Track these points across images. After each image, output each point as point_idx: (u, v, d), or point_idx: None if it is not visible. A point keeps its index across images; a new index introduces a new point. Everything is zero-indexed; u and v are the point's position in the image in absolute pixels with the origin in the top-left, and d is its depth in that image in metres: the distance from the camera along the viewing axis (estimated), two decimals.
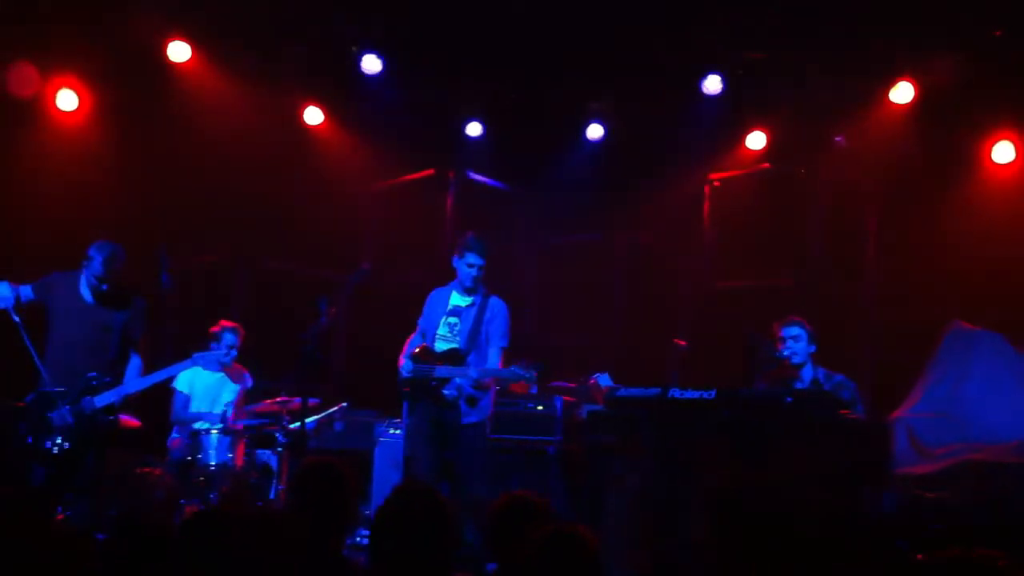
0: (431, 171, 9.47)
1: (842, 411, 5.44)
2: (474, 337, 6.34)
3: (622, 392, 5.79)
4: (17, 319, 6.07)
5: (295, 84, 8.81)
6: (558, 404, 7.14)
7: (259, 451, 7.04)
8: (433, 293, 6.60)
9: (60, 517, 5.69)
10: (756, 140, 8.97)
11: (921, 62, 8.07)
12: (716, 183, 9.24)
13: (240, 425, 7.05)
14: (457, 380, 6.22)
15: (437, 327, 6.46)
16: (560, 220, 9.73)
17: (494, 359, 6.35)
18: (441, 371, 6.24)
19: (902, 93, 8.22)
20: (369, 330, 8.59)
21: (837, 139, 8.66)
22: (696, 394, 5.40)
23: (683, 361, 6.77)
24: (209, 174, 8.51)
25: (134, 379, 6.31)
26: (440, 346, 6.39)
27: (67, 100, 8.24)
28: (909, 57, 8.10)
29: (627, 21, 7.90)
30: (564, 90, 8.87)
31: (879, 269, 8.79)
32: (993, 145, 8.34)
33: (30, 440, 6.07)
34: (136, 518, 2.64)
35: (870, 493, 5.18)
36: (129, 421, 6.59)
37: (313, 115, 9.10)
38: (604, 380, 6.52)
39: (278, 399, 7.11)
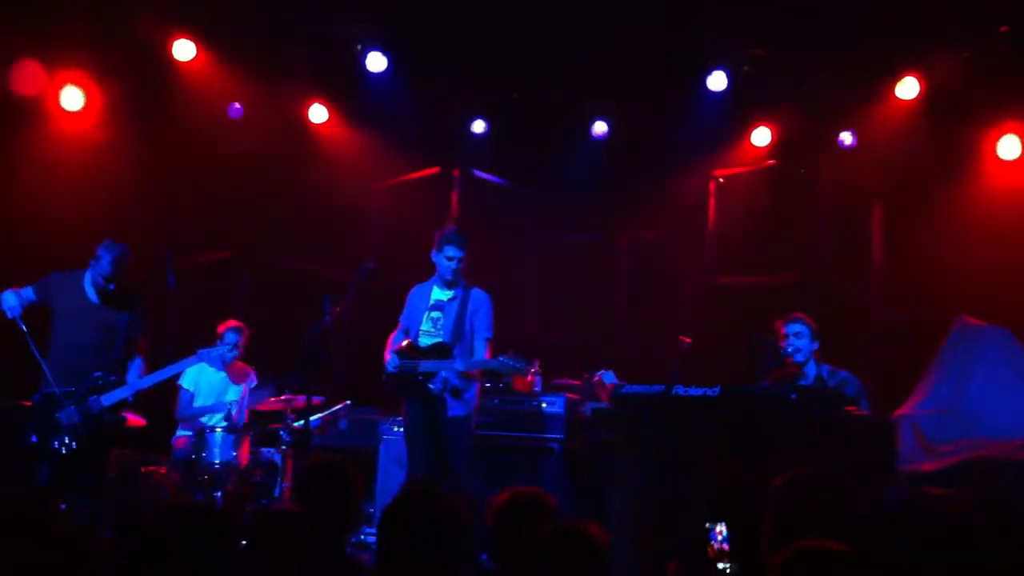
0: (435, 169, 9.46)
1: (847, 408, 5.43)
2: (458, 330, 6.31)
3: (626, 390, 5.79)
4: (24, 328, 6.09)
5: (300, 82, 8.81)
6: (562, 402, 7.12)
7: (264, 449, 7.05)
8: (414, 289, 6.56)
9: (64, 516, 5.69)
10: (761, 137, 8.96)
11: (926, 58, 8.04)
12: (721, 180, 9.23)
13: (244, 420, 7.06)
14: (443, 374, 6.18)
15: (420, 323, 6.43)
16: (564, 218, 9.72)
17: (480, 351, 6.31)
18: (427, 365, 6.20)
19: (907, 89, 8.20)
20: (373, 328, 8.58)
21: (840, 139, 8.63)
22: (700, 392, 5.39)
23: (687, 358, 6.76)
24: (213, 172, 8.51)
25: (139, 378, 6.32)
26: (424, 341, 6.36)
27: (72, 98, 8.25)
28: (914, 53, 8.08)
29: (631, 18, 7.89)
30: (568, 88, 8.86)
31: (884, 266, 8.78)
32: (998, 141, 8.31)
33: (35, 440, 6.08)
34: (138, 517, 2.64)
35: (875, 490, 5.17)
36: (134, 420, 6.60)
37: (318, 113, 9.10)
38: (608, 378, 6.51)
39: (283, 397, 7.11)
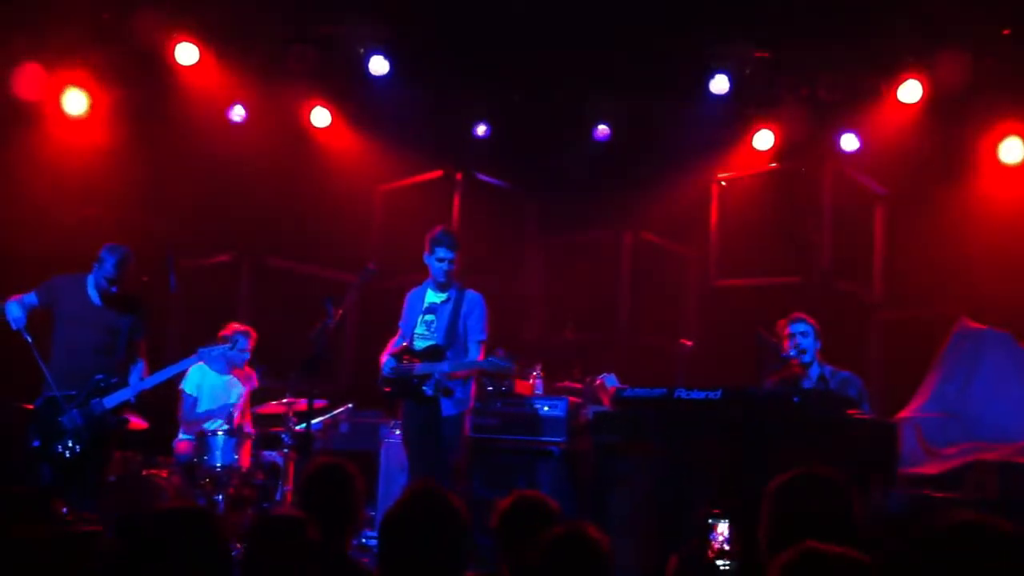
0: (439, 172, 9.47)
1: (850, 410, 5.42)
2: (452, 332, 6.32)
3: (628, 392, 5.78)
4: (30, 339, 6.09)
5: (302, 85, 8.82)
6: (564, 405, 7.11)
7: (265, 452, 7.05)
8: (410, 293, 6.59)
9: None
10: (763, 140, 8.96)
11: (929, 61, 8.04)
12: (723, 183, 9.23)
13: (247, 427, 7.06)
14: (435, 376, 6.21)
15: (415, 326, 6.45)
16: (567, 220, 9.72)
17: (474, 353, 6.32)
18: (420, 368, 6.24)
19: (910, 92, 8.20)
20: (376, 331, 8.58)
21: (843, 142, 8.63)
22: (702, 394, 5.39)
23: (689, 361, 6.77)
24: (216, 175, 8.53)
25: (141, 379, 6.32)
26: (419, 344, 6.38)
27: (74, 101, 8.26)
28: (917, 56, 8.08)
29: (633, 20, 7.89)
30: (570, 90, 8.86)
31: (887, 268, 8.78)
32: (1001, 143, 8.31)
33: (37, 444, 6.08)
34: (139, 520, 2.65)
35: (878, 493, 5.16)
36: (136, 423, 6.60)
37: (321, 116, 9.11)
38: (610, 380, 6.51)
39: (285, 400, 7.11)
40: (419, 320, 6.45)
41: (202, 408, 7.29)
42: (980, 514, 2.31)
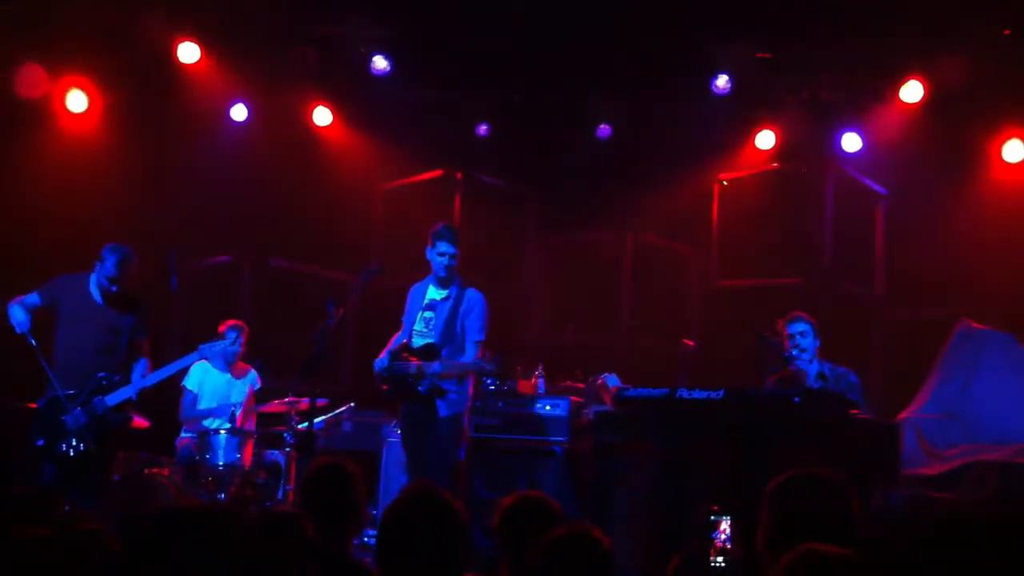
0: (439, 171, 9.47)
1: (851, 411, 5.42)
2: (448, 331, 6.24)
3: (630, 392, 5.79)
4: (34, 342, 6.11)
5: (304, 85, 8.82)
6: (565, 405, 7.11)
7: (267, 451, 7.05)
8: (413, 288, 6.51)
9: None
10: (765, 140, 8.96)
11: (931, 61, 8.04)
12: (725, 183, 9.23)
13: (249, 426, 7.08)
14: (426, 373, 6.14)
15: (414, 322, 6.39)
16: (568, 220, 9.72)
17: (471, 353, 6.23)
18: (415, 367, 6.16)
19: (912, 92, 8.20)
20: (377, 330, 8.59)
21: (844, 142, 8.63)
22: (704, 394, 5.39)
23: (691, 361, 6.77)
24: (218, 175, 8.53)
25: (143, 377, 6.33)
26: (417, 341, 6.32)
27: (76, 101, 8.27)
28: (919, 56, 8.08)
29: (635, 21, 7.89)
30: (572, 90, 8.86)
31: (889, 268, 8.78)
32: (1003, 144, 8.31)
33: (41, 443, 6.10)
34: (142, 518, 2.65)
35: (879, 493, 5.17)
36: (138, 421, 6.61)
37: (322, 116, 9.11)
38: (612, 380, 6.51)
39: (286, 399, 7.12)
40: (419, 316, 6.39)
41: (202, 405, 7.31)
42: (977, 510, 2.32)
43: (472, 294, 6.35)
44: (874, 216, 8.88)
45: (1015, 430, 6.39)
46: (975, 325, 7.10)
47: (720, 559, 3.86)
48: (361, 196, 9.46)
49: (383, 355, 6.37)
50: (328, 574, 3.41)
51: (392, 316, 6.67)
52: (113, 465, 6.36)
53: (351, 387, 8.49)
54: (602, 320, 9.55)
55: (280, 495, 6.89)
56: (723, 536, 3.93)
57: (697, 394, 5.41)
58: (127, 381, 6.26)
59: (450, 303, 6.32)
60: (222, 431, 6.78)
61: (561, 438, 7.02)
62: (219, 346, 6.63)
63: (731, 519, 3.90)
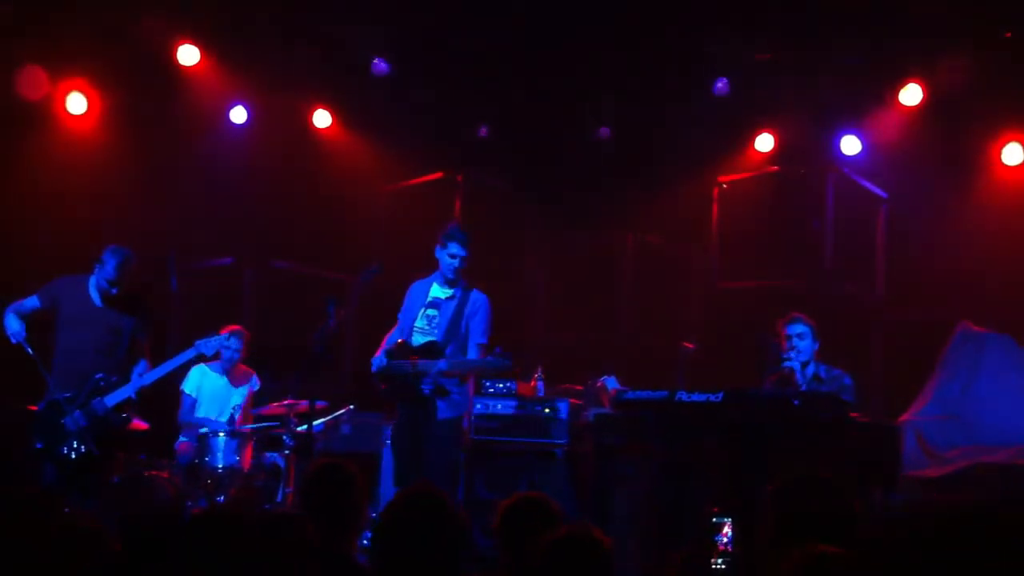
0: (440, 173, 9.47)
1: (851, 413, 5.42)
2: (453, 330, 6.12)
3: (629, 394, 5.79)
4: (31, 351, 6.11)
5: (304, 87, 8.83)
6: (565, 406, 7.11)
7: (267, 453, 7.05)
8: (414, 285, 6.38)
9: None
10: (764, 142, 8.96)
11: (930, 64, 8.05)
12: (724, 185, 9.23)
13: (247, 429, 7.07)
14: (431, 374, 5.99)
15: (415, 319, 6.25)
16: (568, 222, 9.72)
17: (472, 355, 6.13)
18: (418, 366, 5.99)
19: (911, 95, 8.21)
20: (377, 332, 8.59)
21: (844, 145, 8.63)
22: (703, 396, 5.39)
23: (691, 363, 6.76)
24: (218, 177, 8.53)
25: (140, 376, 6.33)
26: (417, 339, 6.17)
27: (77, 103, 8.27)
28: (918, 59, 8.09)
29: (635, 22, 7.90)
30: (572, 91, 8.87)
31: (888, 271, 8.78)
32: (1002, 147, 8.32)
33: (40, 446, 6.10)
34: (141, 520, 2.65)
35: (879, 495, 5.16)
36: (137, 423, 6.61)
37: (322, 118, 9.12)
38: (611, 382, 6.50)
39: (286, 401, 7.12)
40: (420, 313, 6.27)
41: (201, 411, 7.30)
42: (978, 511, 2.32)
43: (478, 296, 6.25)
44: (874, 218, 8.88)
45: (1016, 431, 6.39)
46: (975, 327, 7.11)
47: (721, 561, 3.87)
48: (362, 198, 9.45)
49: (379, 353, 6.25)
50: (332, 572, 3.41)
51: (393, 318, 6.66)
52: (113, 467, 6.36)
53: (351, 389, 8.49)
54: (602, 322, 9.55)
55: (280, 497, 6.89)
56: (725, 538, 3.93)
57: (696, 396, 5.40)
58: (126, 381, 6.26)
59: (455, 303, 6.21)
60: (221, 434, 6.77)
61: (561, 440, 7.02)
62: (215, 341, 6.60)
63: (732, 521, 3.90)
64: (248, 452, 6.84)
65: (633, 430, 5.67)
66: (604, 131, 9.21)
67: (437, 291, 6.31)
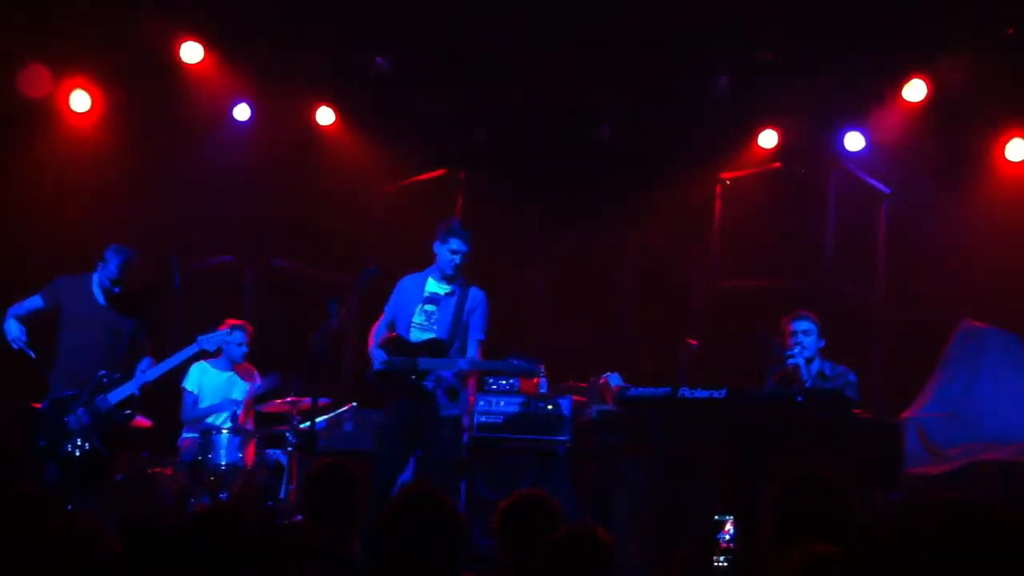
0: (442, 171, 9.46)
1: (854, 410, 5.42)
2: (456, 327, 6.06)
3: (632, 392, 5.79)
4: (33, 355, 6.13)
5: (307, 85, 8.83)
6: (568, 404, 7.11)
7: (269, 451, 7.06)
8: (406, 279, 6.27)
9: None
10: (767, 139, 8.95)
11: (933, 60, 8.03)
12: (727, 182, 9.22)
13: (249, 426, 7.09)
14: (442, 373, 5.96)
15: (412, 315, 6.15)
16: (570, 219, 9.71)
17: (473, 352, 6.09)
18: (427, 363, 5.93)
19: (914, 91, 8.19)
20: None
21: (847, 141, 8.61)
22: (706, 394, 5.39)
23: (694, 361, 6.76)
24: (220, 175, 8.53)
25: (143, 372, 6.34)
26: (416, 335, 6.11)
27: (79, 101, 8.27)
28: (921, 55, 8.07)
29: (637, 20, 7.89)
30: (574, 90, 8.85)
31: (891, 268, 8.76)
32: (1006, 143, 8.30)
33: (43, 443, 6.11)
34: (144, 518, 2.66)
35: (881, 493, 5.17)
36: (140, 421, 6.62)
37: (325, 116, 9.11)
38: (614, 380, 6.51)
39: (288, 399, 7.13)
40: (417, 309, 6.18)
41: (204, 405, 7.31)
42: (978, 510, 2.31)
43: (476, 291, 6.22)
44: (877, 215, 8.86)
45: (1017, 429, 6.39)
46: (977, 324, 7.10)
47: (723, 559, 3.87)
48: (364, 196, 9.45)
49: (373, 346, 6.13)
50: (332, 572, 3.42)
51: None
52: (116, 465, 6.37)
53: (352, 387, 8.49)
54: (605, 319, 9.54)
55: (282, 494, 6.90)
56: (727, 536, 3.93)
57: (699, 393, 5.41)
58: (129, 378, 6.27)
59: (455, 299, 6.16)
60: (224, 430, 6.78)
61: (563, 437, 7.01)
62: (216, 336, 6.61)
63: (734, 518, 3.91)
64: (251, 449, 6.85)
65: (636, 427, 5.68)
66: (606, 129, 9.20)
67: (434, 287, 6.24)
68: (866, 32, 7.84)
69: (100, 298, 6.34)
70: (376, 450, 6.27)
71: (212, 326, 6.74)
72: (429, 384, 5.99)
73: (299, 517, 5.70)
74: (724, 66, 8.43)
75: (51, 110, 8.23)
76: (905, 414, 6.77)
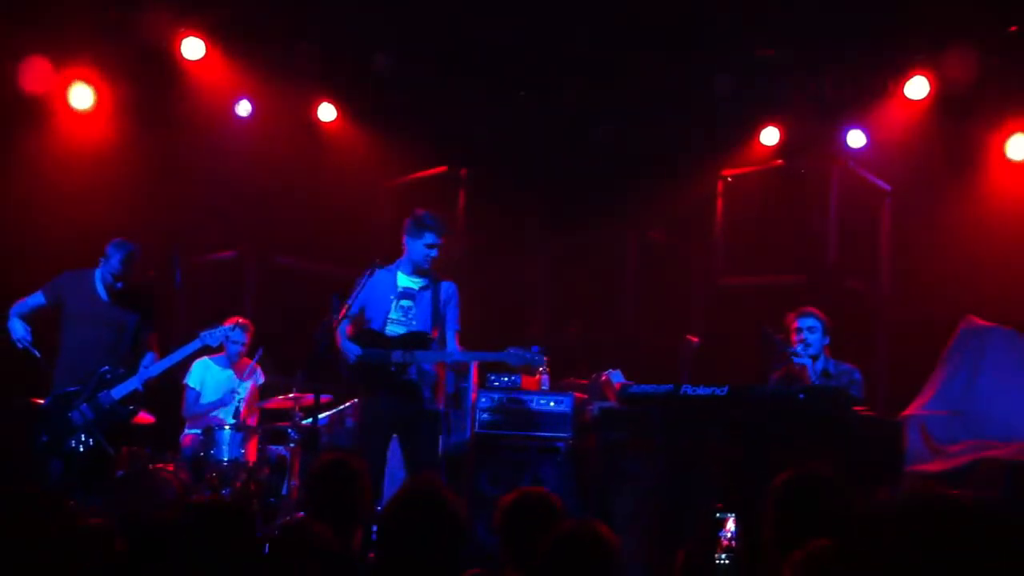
0: (443, 168, 9.47)
1: (856, 408, 5.42)
2: (435, 320, 6.03)
3: (634, 389, 5.79)
4: (38, 354, 6.14)
5: (308, 81, 8.83)
6: (569, 401, 7.11)
7: (271, 447, 7.06)
8: (376, 274, 6.08)
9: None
10: (769, 136, 8.94)
11: (936, 57, 8.03)
12: (729, 180, 9.22)
13: (252, 422, 7.09)
14: (425, 366, 5.96)
15: (387, 311, 6.08)
16: (572, 216, 9.72)
17: (452, 343, 6.08)
18: (423, 355, 5.91)
19: (917, 88, 8.18)
20: None
21: (849, 138, 8.61)
22: (708, 391, 5.39)
23: (696, 358, 6.75)
24: (222, 170, 8.53)
25: (146, 368, 6.34)
26: (393, 330, 6.05)
27: (81, 96, 8.26)
28: (924, 52, 8.07)
29: (639, 17, 7.88)
30: (576, 87, 8.85)
31: (893, 265, 8.76)
32: (1008, 140, 8.29)
33: (46, 439, 6.11)
34: (145, 515, 2.66)
35: (883, 491, 5.16)
36: (143, 417, 6.63)
37: (326, 112, 9.11)
38: (616, 377, 6.50)
39: (291, 395, 7.13)
40: (393, 304, 6.10)
41: (205, 401, 7.32)
42: (978, 509, 2.32)
43: (448, 284, 6.19)
44: (879, 212, 8.86)
45: (1020, 426, 6.38)
46: (980, 321, 7.09)
47: (724, 556, 3.87)
48: (365, 192, 9.45)
49: (343, 340, 6.02)
50: (332, 571, 3.42)
51: None
52: (118, 461, 6.38)
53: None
54: (606, 316, 9.55)
55: (284, 491, 6.91)
56: (729, 534, 3.93)
57: (701, 390, 5.41)
58: (132, 373, 6.28)
59: (430, 292, 6.13)
60: (226, 427, 6.79)
61: (565, 434, 7.01)
62: (219, 332, 6.60)
63: (735, 516, 3.90)
64: (253, 445, 6.86)
65: (638, 424, 5.67)
66: (607, 126, 9.19)
67: (406, 281, 6.17)
68: (868, 29, 7.84)
69: (103, 294, 6.34)
70: (357, 445, 6.24)
71: (214, 322, 6.74)
72: (412, 376, 5.96)
73: (301, 513, 5.72)
74: (726, 63, 8.42)
75: (52, 105, 8.22)
76: (907, 411, 6.77)
